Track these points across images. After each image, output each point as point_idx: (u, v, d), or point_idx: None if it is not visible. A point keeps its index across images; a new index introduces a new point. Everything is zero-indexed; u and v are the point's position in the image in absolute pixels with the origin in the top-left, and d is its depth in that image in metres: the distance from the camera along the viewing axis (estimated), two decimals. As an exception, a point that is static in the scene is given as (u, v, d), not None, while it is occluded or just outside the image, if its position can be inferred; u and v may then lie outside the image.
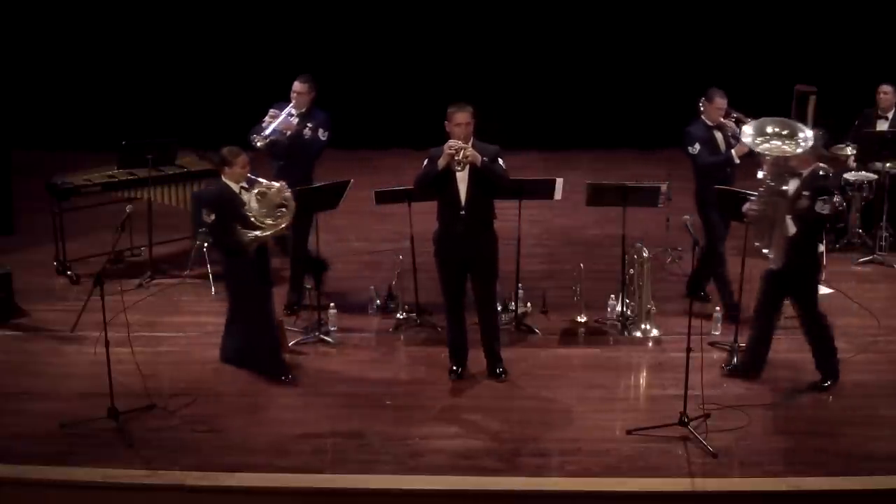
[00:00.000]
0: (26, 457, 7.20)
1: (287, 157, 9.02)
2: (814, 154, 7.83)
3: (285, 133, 9.02)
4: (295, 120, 9.06)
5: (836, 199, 7.82)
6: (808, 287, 7.97)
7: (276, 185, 8.07)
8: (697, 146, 8.91)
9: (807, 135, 7.76)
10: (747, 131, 7.97)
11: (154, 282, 9.95)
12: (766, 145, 7.80)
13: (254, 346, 8.22)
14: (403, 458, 7.19)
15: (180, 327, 9.11)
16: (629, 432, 7.41)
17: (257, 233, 7.94)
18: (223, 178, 8.08)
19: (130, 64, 14.03)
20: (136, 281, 9.87)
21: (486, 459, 7.19)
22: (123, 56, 14.03)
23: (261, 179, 8.11)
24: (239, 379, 8.23)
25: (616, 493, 6.87)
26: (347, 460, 7.17)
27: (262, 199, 8.01)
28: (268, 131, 8.99)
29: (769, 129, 7.85)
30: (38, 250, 10.47)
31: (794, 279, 7.89)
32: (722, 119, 9.03)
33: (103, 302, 7.49)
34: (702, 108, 9.04)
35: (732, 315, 8.78)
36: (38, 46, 14.03)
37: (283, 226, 8.09)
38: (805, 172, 7.78)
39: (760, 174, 7.86)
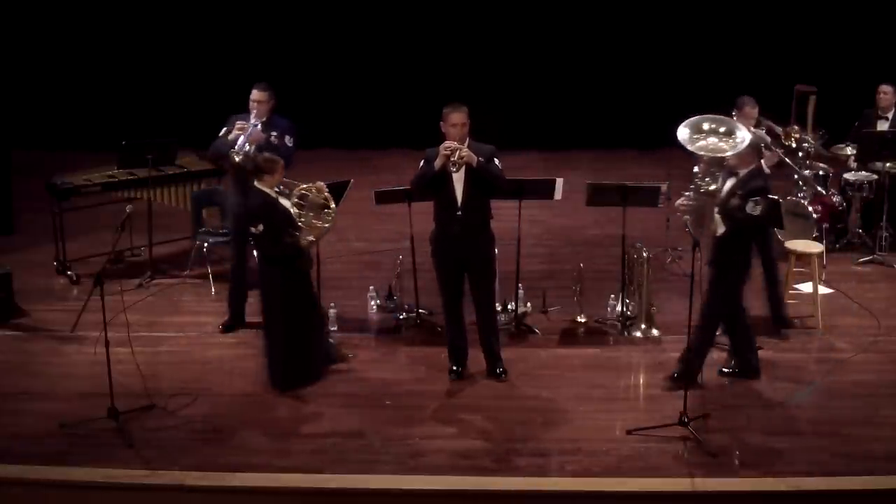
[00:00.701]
0: (26, 457, 7.19)
1: None
2: (754, 154, 7.80)
3: (252, 146, 8.74)
4: (259, 129, 8.90)
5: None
6: (730, 283, 7.86)
7: (315, 185, 8.02)
8: None
9: (743, 135, 7.71)
10: (683, 130, 7.83)
11: (154, 282, 9.95)
12: (703, 142, 7.75)
13: (288, 353, 8.02)
14: (403, 458, 7.19)
15: (180, 327, 9.11)
16: (629, 432, 7.40)
17: (311, 237, 7.94)
18: (259, 186, 7.92)
19: (130, 64, 14.04)
20: (136, 281, 9.88)
21: (486, 459, 7.18)
22: (123, 56, 14.04)
23: (296, 182, 8.06)
24: (239, 379, 8.23)
25: (616, 493, 6.87)
26: (347, 460, 7.17)
27: (305, 201, 7.96)
28: (240, 143, 8.78)
29: (706, 126, 7.79)
30: (38, 250, 10.47)
31: (721, 273, 7.84)
32: (752, 129, 8.83)
33: (103, 302, 7.48)
34: (733, 117, 8.93)
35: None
36: (38, 46, 14.04)
37: (329, 226, 8.06)
38: (742, 172, 7.76)
39: (696, 169, 7.85)
